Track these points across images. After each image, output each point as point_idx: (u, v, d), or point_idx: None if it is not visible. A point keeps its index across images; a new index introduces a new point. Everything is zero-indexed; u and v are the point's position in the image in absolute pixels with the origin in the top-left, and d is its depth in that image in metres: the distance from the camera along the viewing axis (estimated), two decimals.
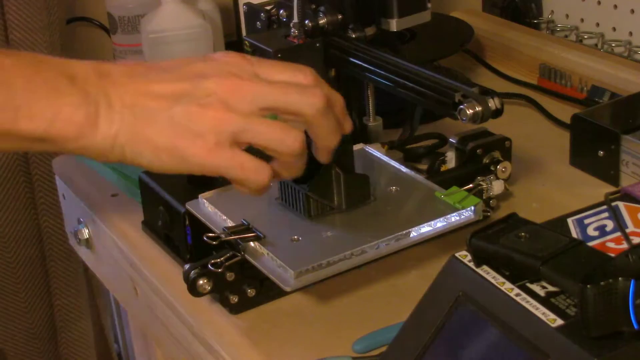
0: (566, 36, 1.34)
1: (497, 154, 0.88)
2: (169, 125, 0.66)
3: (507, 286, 0.58)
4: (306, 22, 0.94)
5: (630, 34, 1.25)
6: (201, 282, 0.75)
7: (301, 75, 0.70)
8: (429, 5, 1.04)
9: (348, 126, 0.73)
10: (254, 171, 0.68)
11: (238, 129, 0.66)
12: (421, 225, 0.75)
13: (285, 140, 0.67)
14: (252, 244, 0.74)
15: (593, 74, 1.16)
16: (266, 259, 0.73)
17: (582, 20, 1.33)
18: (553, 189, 0.96)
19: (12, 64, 0.65)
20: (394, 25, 1.02)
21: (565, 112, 1.08)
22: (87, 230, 1.07)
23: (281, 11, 0.99)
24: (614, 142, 0.93)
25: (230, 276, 0.76)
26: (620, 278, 0.52)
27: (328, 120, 0.69)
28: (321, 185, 0.76)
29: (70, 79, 0.66)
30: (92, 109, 0.65)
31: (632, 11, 1.24)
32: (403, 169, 0.85)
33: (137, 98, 0.66)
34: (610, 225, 0.65)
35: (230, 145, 0.66)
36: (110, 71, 0.67)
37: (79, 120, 0.65)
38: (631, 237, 0.62)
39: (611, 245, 0.62)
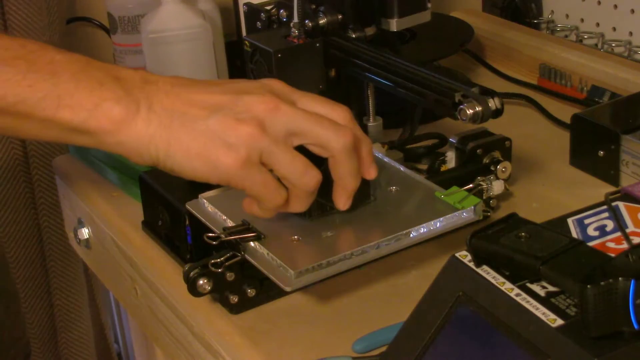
0: (566, 36, 1.34)
1: (497, 154, 0.88)
2: (204, 133, 0.68)
3: (507, 286, 0.58)
4: (306, 22, 0.94)
5: (630, 34, 1.25)
6: (201, 282, 0.75)
7: (339, 110, 0.72)
8: (429, 5, 1.04)
9: (373, 172, 0.75)
10: (274, 191, 0.71)
11: (266, 150, 0.68)
12: (421, 225, 0.75)
13: (304, 176, 0.70)
14: (252, 244, 0.74)
15: (593, 74, 1.16)
16: (266, 259, 0.73)
17: (582, 20, 1.33)
18: (553, 189, 0.96)
19: (62, 59, 0.68)
20: (394, 25, 1.02)
21: (565, 112, 1.08)
22: (87, 230, 1.07)
23: (281, 11, 0.99)
24: (614, 142, 0.93)
25: (230, 276, 0.76)
26: (620, 278, 0.52)
27: (351, 161, 0.72)
28: (321, 185, 0.76)
29: (116, 79, 0.68)
30: (132, 107, 0.67)
31: (632, 11, 1.24)
32: (403, 169, 0.85)
33: (178, 104, 0.68)
34: (610, 225, 0.65)
35: (258, 162, 0.68)
36: (157, 80, 0.70)
37: (117, 114, 0.67)
38: (631, 237, 0.62)
39: (611, 245, 0.62)
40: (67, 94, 0.66)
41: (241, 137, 0.67)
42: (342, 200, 0.75)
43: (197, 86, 0.70)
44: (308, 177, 0.70)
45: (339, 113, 0.72)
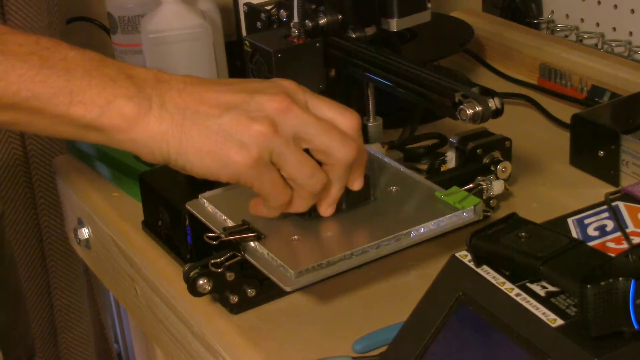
0: (566, 36, 1.34)
1: (497, 154, 0.88)
2: (216, 131, 0.68)
3: (507, 286, 0.58)
4: (306, 22, 0.94)
5: (630, 34, 1.25)
6: (201, 282, 0.75)
7: (348, 117, 0.73)
8: (429, 5, 1.04)
9: (357, 185, 0.76)
10: (281, 191, 0.71)
11: (277, 150, 0.69)
12: (421, 225, 0.75)
13: (311, 178, 0.71)
14: (252, 244, 0.74)
15: (593, 74, 1.16)
16: (266, 259, 0.73)
17: (582, 20, 1.33)
18: (553, 189, 0.96)
19: (76, 56, 0.68)
20: (394, 25, 1.02)
21: (565, 112, 1.08)
22: (87, 230, 1.07)
23: (281, 11, 0.99)
24: (614, 142, 0.93)
25: (230, 276, 0.76)
26: (620, 278, 0.52)
27: (346, 172, 0.73)
28: None
29: (129, 77, 0.68)
30: (144, 104, 0.67)
31: (632, 11, 1.24)
32: (403, 169, 0.85)
33: (190, 102, 0.69)
34: (610, 225, 0.65)
35: (268, 161, 0.69)
36: (170, 78, 0.70)
37: (130, 112, 0.67)
38: (631, 237, 0.62)
39: (611, 245, 0.62)
40: (80, 90, 0.67)
41: (253, 136, 0.68)
42: (324, 206, 0.75)
43: (209, 85, 0.71)
44: (314, 180, 0.71)
45: (348, 120, 0.72)
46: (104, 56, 0.70)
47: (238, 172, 0.69)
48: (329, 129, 0.71)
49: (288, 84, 0.72)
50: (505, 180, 0.88)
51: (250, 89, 0.70)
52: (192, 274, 0.75)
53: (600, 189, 0.86)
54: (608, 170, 0.95)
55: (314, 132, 0.70)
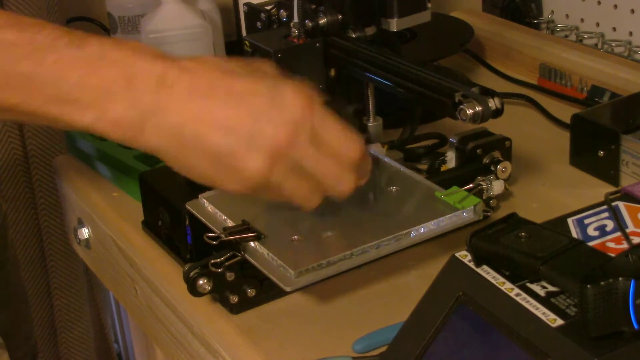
0: (566, 36, 1.34)
1: (497, 154, 0.88)
2: (213, 156, 0.66)
3: (507, 286, 0.58)
4: (306, 22, 0.94)
5: (630, 34, 1.25)
6: (201, 282, 0.75)
7: (352, 147, 0.70)
8: (429, 5, 1.04)
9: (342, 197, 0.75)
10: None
11: (274, 182, 0.68)
12: (421, 225, 0.75)
13: (307, 201, 0.71)
14: (252, 244, 0.74)
15: (593, 74, 1.16)
16: (266, 259, 0.73)
17: (582, 20, 1.33)
18: (553, 189, 0.96)
19: (73, 56, 0.64)
20: (394, 25, 1.02)
21: (565, 112, 1.08)
22: (87, 230, 1.07)
23: (281, 11, 0.99)
24: (614, 142, 0.93)
25: (230, 276, 0.76)
26: (620, 278, 0.52)
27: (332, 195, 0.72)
28: None
29: (128, 82, 0.65)
30: (136, 120, 0.65)
31: (632, 11, 1.24)
32: (403, 169, 0.85)
33: (190, 120, 0.66)
34: (610, 225, 0.65)
35: (265, 188, 0.68)
36: (174, 82, 0.65)
37: (125, 124, 0.65)
38: (631, 237, 0.62)
39: (611, 245, 0.62)
40: (72, 100, 0.64)
41: (248, 170, 0.66)
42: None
43: (217, 98, 0.66)
44: (312, 201, 0.71)
45: (352, 152, 0.71)
46: (105, 50, 0.65)
47: (236, 192, 0.69)
48: (328, 168, 0.70)
49: (299, 105, 0.67)
50: (505, 180, 0.88)
51: (257, 111, 0.66)
52: (192, 274, 0.75)
53: (600, 189, 0.86)
54: (608, 170, 0.95)
55: (312, 166, 0.69)
